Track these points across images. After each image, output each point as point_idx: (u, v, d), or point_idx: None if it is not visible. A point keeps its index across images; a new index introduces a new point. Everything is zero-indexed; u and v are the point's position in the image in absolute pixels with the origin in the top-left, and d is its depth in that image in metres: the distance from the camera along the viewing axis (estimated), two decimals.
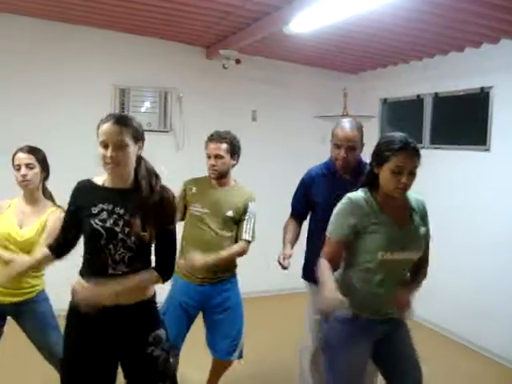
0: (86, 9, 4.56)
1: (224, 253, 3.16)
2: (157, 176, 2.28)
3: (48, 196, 3.07)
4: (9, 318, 3.03)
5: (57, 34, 5.05)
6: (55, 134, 4.85)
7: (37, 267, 2.66)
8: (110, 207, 2.17)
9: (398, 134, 2.36)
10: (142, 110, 5.47)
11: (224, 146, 3.20)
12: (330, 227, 2.44)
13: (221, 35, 5.06)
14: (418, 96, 5.40)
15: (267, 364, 4.24)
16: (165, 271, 2.30)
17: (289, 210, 3.36)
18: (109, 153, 2.09)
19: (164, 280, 2.30)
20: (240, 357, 3.36)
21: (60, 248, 2.37)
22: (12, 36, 4.90)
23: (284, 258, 3.01)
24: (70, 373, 2.27)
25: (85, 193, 2.25)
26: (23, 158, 2.92)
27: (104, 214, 2.16)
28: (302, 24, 4.01)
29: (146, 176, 2.22)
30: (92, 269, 2.23)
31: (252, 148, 5.75)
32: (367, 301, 2.42)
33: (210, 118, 5.51)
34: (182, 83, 5.54)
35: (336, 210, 2.44)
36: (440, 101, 5.19)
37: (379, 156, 2.35)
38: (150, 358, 2.24)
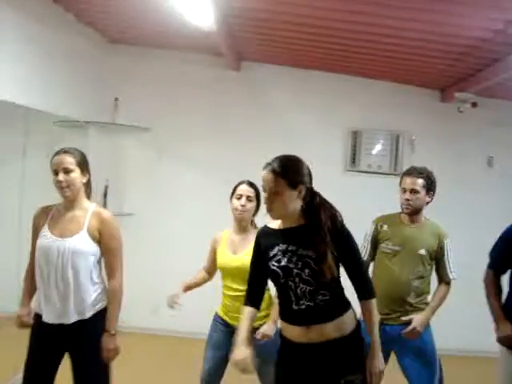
0: (321, 55, 4.92)
1: (435, 303, 3.17)
2: (330, 207, 2.34)
3: (254, 226, 3.27)
4: None
5: (293, 79, 5.54)
6: None
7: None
8: (284, 247, 2.29)
9: None
10: (374, 152, 5.59)
11: (420, 181, 3.22)
12: None
13: (457, 77, 4.99)
14: None
15: None
16: (368, 293, 2.31)
17: None
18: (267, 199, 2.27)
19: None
20: None
21: (256, 297, 2.49)
22: (256, 84, 5.53)
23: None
24: None
25: (265, 238, 2.41)
26: (246, 190, 3.18)
27: (279, 255, 2.28)
28: None
29: (318, 210, 2.29)
30: (281, 306, 2.39)
31: (486, 195, 5.51)
32: None
33: (442, 161, 5.40)
34: (415, 126, 5.55)
35: None
36: None
37: None
38: None
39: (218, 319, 3.27)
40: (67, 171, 2.62)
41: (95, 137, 5.20)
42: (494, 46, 3.91)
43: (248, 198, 3.16)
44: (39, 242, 2.63)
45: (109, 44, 5.48)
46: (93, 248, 2.66)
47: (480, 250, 3.34)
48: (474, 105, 5.17)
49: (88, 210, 2.71)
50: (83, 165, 2.71)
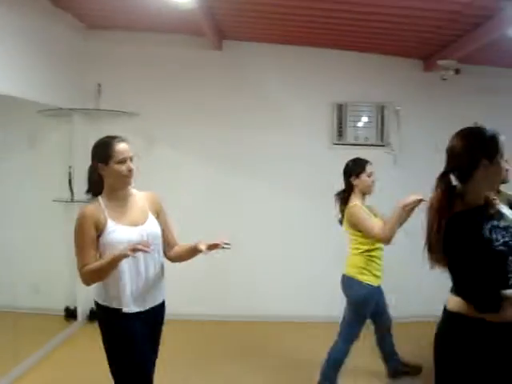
0: (301, 29, 4.92)
1: None
2: None
3: None
4: None
5: (274, 56, 5.52)
6: (274, 150, 5.20)
7: None
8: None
9: None
10: (359, 124, 5.59)
11: None
12: None
13: (439, 45, 4.98)
14: None
15: None
16: None
17: None
18: None
19: None
20: None
21: None
22: (239, 62, 5.52)
23: None
24: None
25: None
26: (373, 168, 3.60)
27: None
28: None
29: None
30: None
31: None
32: None
33: (428, 131, 5.41)
34: (399, 97, 5.55)
35: None
36: None
37: None
38: None
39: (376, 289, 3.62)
40: (131, 159, 2.61)
41: (80, 124, 5.16)
42: (474, 10, 3.90)
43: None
44: (113, 236, 2.51)
45: (87, 30, 5.40)
46: (160, 228, 2.72)
47: None
48: (457, 71, 5.15)
49: (136, 195, 2.72)
50: None
